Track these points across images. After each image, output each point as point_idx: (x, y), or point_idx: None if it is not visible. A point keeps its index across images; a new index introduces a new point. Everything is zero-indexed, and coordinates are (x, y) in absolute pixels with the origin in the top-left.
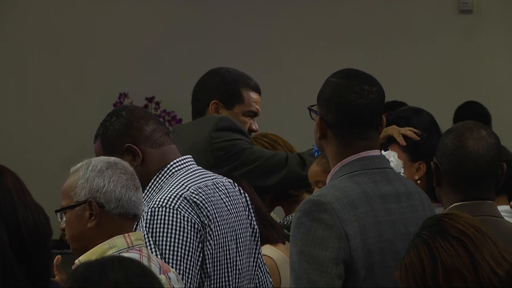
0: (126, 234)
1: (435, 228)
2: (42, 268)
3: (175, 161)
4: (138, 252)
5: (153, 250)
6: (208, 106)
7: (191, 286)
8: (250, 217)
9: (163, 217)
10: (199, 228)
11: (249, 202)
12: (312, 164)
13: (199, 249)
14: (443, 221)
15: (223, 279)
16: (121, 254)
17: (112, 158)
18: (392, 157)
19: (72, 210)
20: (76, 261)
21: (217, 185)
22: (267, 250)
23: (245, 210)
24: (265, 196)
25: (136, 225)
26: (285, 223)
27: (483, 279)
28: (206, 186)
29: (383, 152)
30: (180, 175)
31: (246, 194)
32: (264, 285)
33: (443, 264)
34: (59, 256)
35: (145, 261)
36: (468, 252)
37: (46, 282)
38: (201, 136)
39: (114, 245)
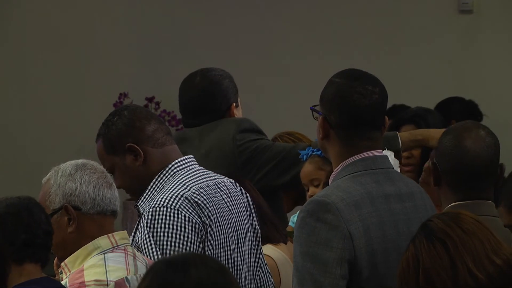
0: (110, 234)
1: (424, 228)
2: None
3: (176, 161)
4: (123, 251)
5: (154, 249)
6: (227, 110)
7: None
8: (251, 217)
9: (164, 217)
10: (200, 228)
11: (250, 202)
12: (304, 165)
13: (200, 249)
14: (431, 221)
15: None
16: (105, 254)
17: (80, 160)
18: (388, 156)
19: (51, 219)
20: (62, 264)
21: (219, 185)
22: (268, 249)
23: (247, 210)
24: (288, 195)
25: (138, 225)
26: None
27: (460, 282)
28: (208, 186)
29: None
30: (182, 175)
31: (248, 194)
32: (265, 285)
33: (423, 265)
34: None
35: (130, 260)
36: (449, 254)
37: (3, 283)
38: (226, 139)
39: (98, 246)
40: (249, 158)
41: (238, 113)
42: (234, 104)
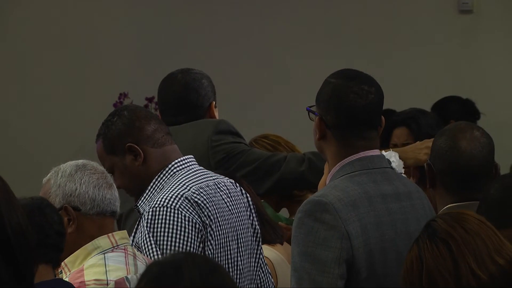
0: (110, 234)
1: (427, 229)
2: (27, 268)
3: (176, 161)
4: (123, 251)
5: (154, 249)
6: (207, 108)
7: None
8: (251, 218)
9: (164, 216)
10: (200, 228)
11: (250, 203)
12: None
13: (200, 249)
14: (434, 221)
15: None
16: (105, 254)
17: (81, 161)
18: (393, 157)
19: None
20: (62, 264)
21: (219, 185)
22: (264, 250)
23: (247, 211)
24: (270, 198)
25: (138, 224)
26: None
27: (462, 283)
28: (208, 186)
29: (384, 152)
30: (182, 175)
31: (248, 194)
32: (265, 286)
33: (427, 266)
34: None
35: (130, 260)
36: (451, 255)
37: (31, 283)
38: (201, 139)
39: (98, 246)
40: (222, 160)
41: (216, 114)
42: (214, 103)
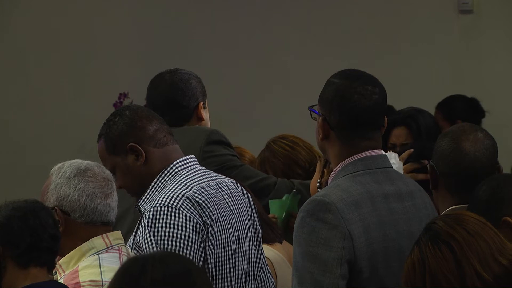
0: (104, 235)
1: (428, 231)
2: None
3: (178, 160)
4: (118, 251)
5: (155, 249)
6: (195, 109)
7: None
8: (252, 218)
9: (165, 216)
10: (201, 228)
11: (252, 203)
12: None
13: (201, 249)
14: (435, 223)
15: (225, 279)
16: (100, 254)
17: (84, 164)
18: (393, 158)
19: None
20: (57, 264)
21: (220, 185)
22: (264, 250)
23: (248, 211)
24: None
25: (139, 224)
26: None
27: (467, 284)
28: (209, 186)
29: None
30: (183, 174)
31: (249, 195)
32: (266, 286)
33: (430, 269)
34: (59, 255)
35: (124, 260)
36: (455, 256)
37: None
38: (193, 149)
39: (93, 247)
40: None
41: (205, 114)
42: (202, 103)
